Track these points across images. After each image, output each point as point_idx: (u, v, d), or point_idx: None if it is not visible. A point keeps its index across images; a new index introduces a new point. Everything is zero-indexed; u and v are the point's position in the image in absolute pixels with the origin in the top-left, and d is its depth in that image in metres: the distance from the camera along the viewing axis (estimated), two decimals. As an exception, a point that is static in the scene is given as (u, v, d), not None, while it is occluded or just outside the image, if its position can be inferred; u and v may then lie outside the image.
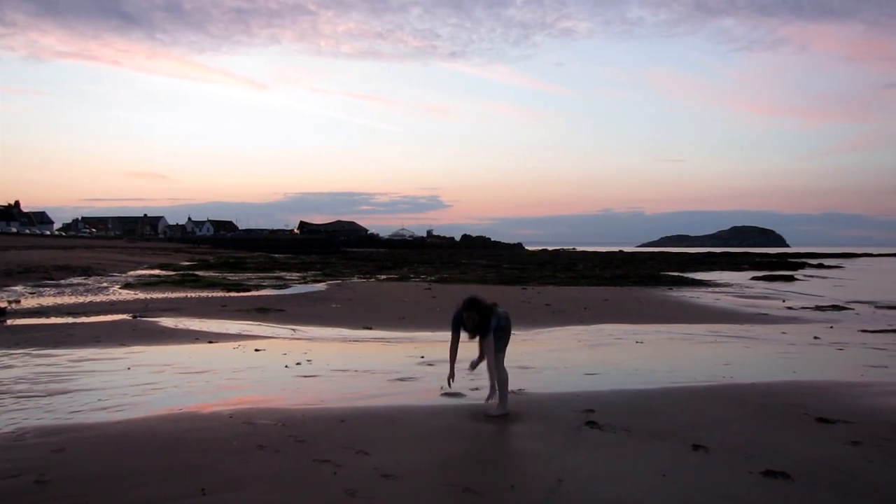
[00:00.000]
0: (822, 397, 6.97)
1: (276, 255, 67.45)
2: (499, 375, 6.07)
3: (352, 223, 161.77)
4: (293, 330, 12.54)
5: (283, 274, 33.92)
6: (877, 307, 19.80)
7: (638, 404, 6.49)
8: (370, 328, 13.04)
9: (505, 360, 6.28)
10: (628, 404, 6.50)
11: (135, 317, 13.96)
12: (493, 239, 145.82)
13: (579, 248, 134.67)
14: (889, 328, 13.79)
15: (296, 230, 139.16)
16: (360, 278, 31.07)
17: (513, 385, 7.23)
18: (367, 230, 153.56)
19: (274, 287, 24.59)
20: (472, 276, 32.39)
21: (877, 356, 9.92)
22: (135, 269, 36.04)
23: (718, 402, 6.66)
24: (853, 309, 18.99)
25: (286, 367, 8.32)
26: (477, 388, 7.10)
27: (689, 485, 4.39)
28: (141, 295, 19.93)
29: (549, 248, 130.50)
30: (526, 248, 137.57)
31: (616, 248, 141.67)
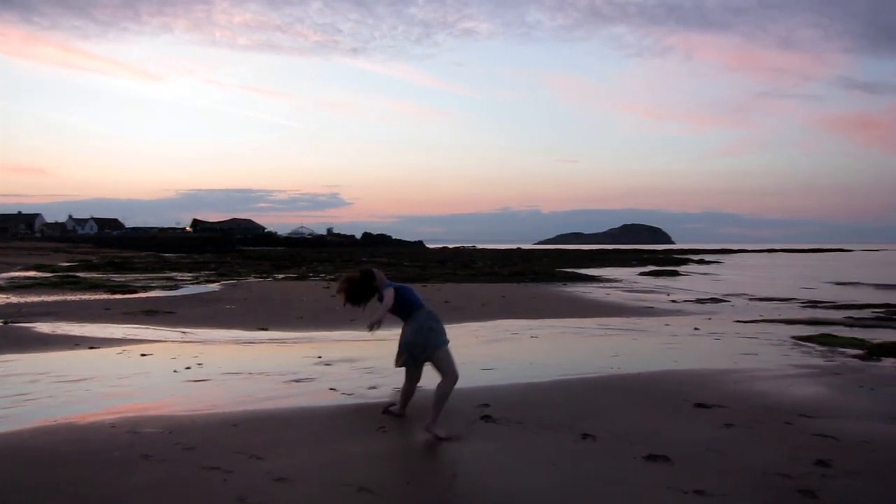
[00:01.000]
0: (701, 384, 7.44)
1: (167, 255, 64.44)
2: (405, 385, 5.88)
3: (248, 221, 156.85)
4: (183, 333, 12.04)
5: (173, 274, 32.47)
6: (749, 299, 21.31)
7: (532, 397, 6.68)
8: (266, 329, 12.71)
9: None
10: (522, 398, 6.68)
11: (6, 322, 12.94)
12: (394, 237, 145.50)
13: (479, 246, 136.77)
14: (760, 318, 14.88)
15: (188, 228, 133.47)
16: (257, 278, 30.24)
17: (410, 382, 7.27)
18: (264, 228, 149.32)
19: (164, 288, 23.50)
20: (373, 275, 32.24)
21: (749, 345, 10.68)
22: (7, 270, 33.41)
23: (607, 393, 6.97)
24: (729, 301, 20.36)
25: (175, 371, 7.97)
26: (374, 387, 7.08)
27: (578, 472, 4.56)
28: (14, 299, 18.50)
29: (450, 246, 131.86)
30: (427, 246, 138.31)
31: (514, 246, 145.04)
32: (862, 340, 10.96)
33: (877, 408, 6.52)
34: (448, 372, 5.45)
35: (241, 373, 7.92)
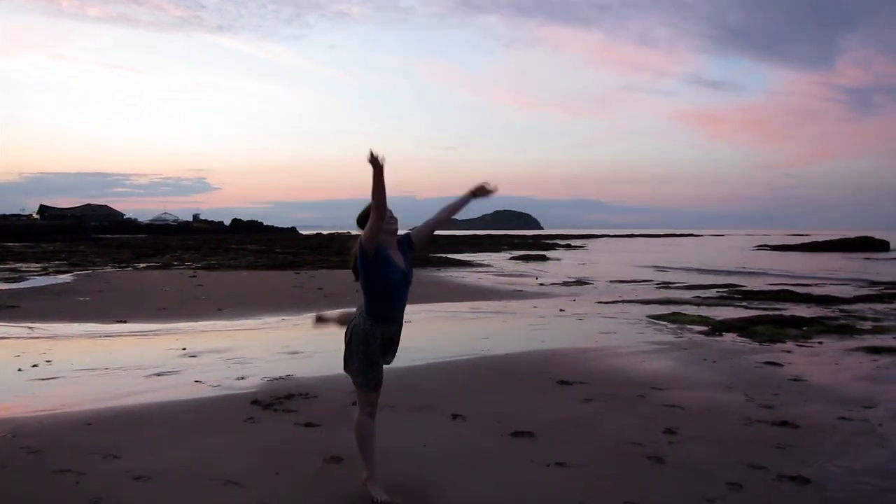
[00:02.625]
0: (564, 363, 7.83)
1: (10, 244, 58.81)
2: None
3: (105, 207, 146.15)
4: (30, 328, 11.07)
5: (18, 265, 29.68)
6: (610, 281, 22.61)
7: (404, 381, 6.74)
8: (125, 321, 11.96)
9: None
10: (395, 382, 6.69)
11: None
12: (265, 223, 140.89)
13: (354, 232, 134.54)
14: (619, 299, 15.84)
15: (35, 215, 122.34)
16: (115, 267, 28.31)
17: (281, 371, 7.14)
18: (123, 215, 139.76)
19: (6, 280, 21.45)
20: (242, 262, 31.12)
21: (608, 324, 11.36)
22: None
23: (477, 374, 7.18)
24: (593, 283, 21.49)
25: (20, 370, 7.33)
26: (243, 378, 6.88)
27: (447, 451, 4.68)
28: None
29: (325, 232, 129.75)
30: (300, 232, 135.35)
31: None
32: (707, 318, 11.96)
33: (717, 378, 7.15)
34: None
35: (95, 369, 7.41)
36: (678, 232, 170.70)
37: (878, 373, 7.61)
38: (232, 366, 7.53)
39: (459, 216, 4.46)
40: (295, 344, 8.92)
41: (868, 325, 11.52)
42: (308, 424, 5.25)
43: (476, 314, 12.90)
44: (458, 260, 34.96)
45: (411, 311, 12.83)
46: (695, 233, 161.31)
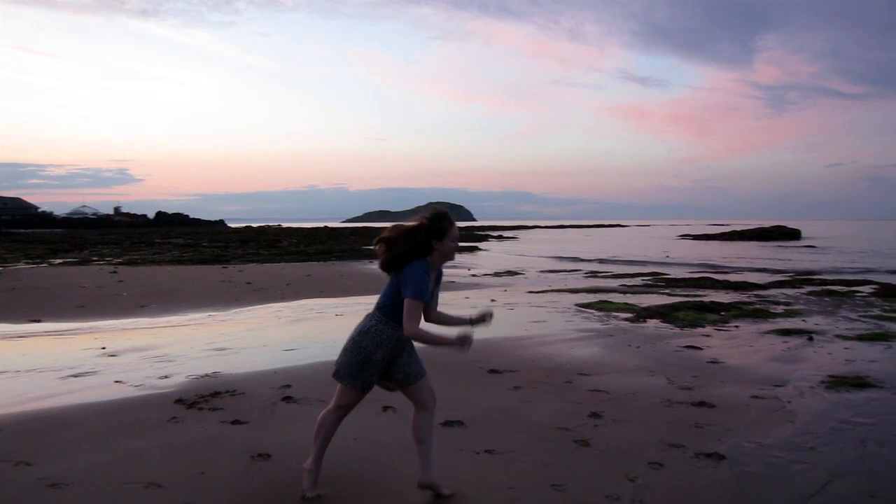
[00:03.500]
0: (495, 352, 7.93)
1: (-90, 241, 55.02)
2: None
3: (17, 200, 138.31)
4: (-67, 330, 10.41)
5: (-81, 263, 27.82)
6: (541, 271, 23.03)
7: (335, 375, 6.70)
8: (39, 321, 11.39)
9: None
10: (326, 376, 6.59)
11: None
12: (192, 216, 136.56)
13: (285, 225, 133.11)
14: (549, 289, 16.16)
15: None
16: (29, 264, 26.90)
17: (207, 368, 6.96)
18: (37, 208, 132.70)
19: None
20: (167, 257, 30.12)
21: (538, 313, 11.57)
22: None
23: (408, 365, 7.18)
24: (524, 274, 21.84)
25: (-79, 374, 6.89)
26: (166, 377, 6.66)
27: (377, 443, 4.68)
28: None
29: (254, 225, 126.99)
30: (228, 225, 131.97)
31: (321, 224, 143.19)
32: (632, 305, 12.35)
33: (641, 363, 7.40)
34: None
35: (6, 371, 7.04)
36: (607, 223, 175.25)
37: (788, 353, 8.04)
38: (155, 364, 7.29)
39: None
40: (222, 340, 8.71)
41: (780, 309, 12.15)
42: (235, 422, 5.14)
43: (408, 306, 12.90)
44: (391, 252, 34.87)
45: (343, 304, 12.77)
46: (622, 223, 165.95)
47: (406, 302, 3.50)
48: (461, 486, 3.95)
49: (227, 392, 5.98)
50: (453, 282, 18.55)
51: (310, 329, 9.93)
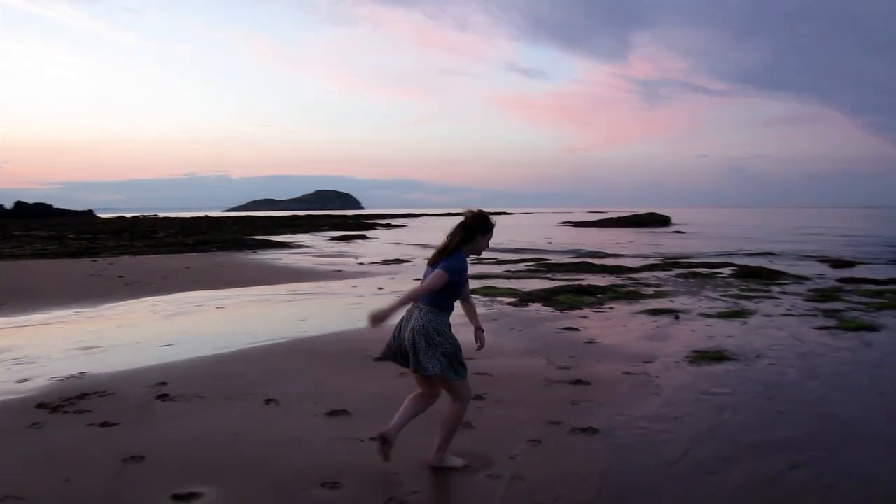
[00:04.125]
0: (381, 340, 7.82)
1: None
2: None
3: None
4: None
5: None
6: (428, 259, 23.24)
7: (215, 370, 6.47)
8: None
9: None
10: (205, 371, 6.43)
11: None
12: (57, 206, 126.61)
13: (162, 215, 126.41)
14: (436, 275, 16.33)
15: None
16: None
17: (73, 369, 6.53)
18: None
19: None
20: (27, 251, 27.82)
21: (425, 300, 11.66)
22: None
23: (292, 357, 7.06)
24: (412, 262, 21.95)
25: None
26: (26, 380, 6.18)
27: (261, 436, 4.58)
28: None
29: (127, 215, 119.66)
30: (98, 215, 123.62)
31: (202, 214, 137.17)
32: (515, 290, 12.72)
33: (522, 345, 7.66)
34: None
35: None
36: (493, 210, 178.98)
37: (657, 332, 8.59)
38: (13, 367, 6.74)
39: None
40: (90, 338, 8.17)
41: (651, 290, 12.93)
42: (104, 424, 4.85)
43: (293, 296, 12.65)
44: (276, 241, 34.01)
45: (224, 297, 12.33)
46: (508, 211, 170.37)
47: (436, 272, 3.84)
48: (346, 473, 3.94)
49: (96, 393, 5.63)
50: (340, 270, 18.37)
51: (188, 323, 9.52)
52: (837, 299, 11.69)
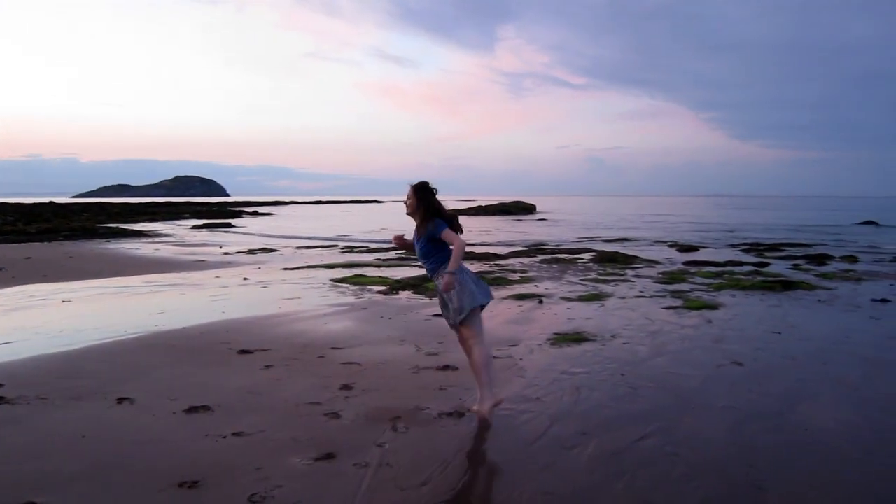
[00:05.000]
0: (245, 332, 7.67)
1: None
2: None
3: None
4: None
5: None
6: (296, 248, 22.71)
7: (60, 368, 5.98)
8: None
9: None
10: (49, 370, 5.92)
11: None
12: None
13: (0, 200, 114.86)
14: (304, 265, 16.01)
15: None
16: None
17: None
18: None
19: None
20: None
21: (293, 290, 11.41)
22: None
23: (149, 352, 6.66)
24: (279, 251, 21.36)
25: None
26: None
27: (112, 438, 4.29)
28: None
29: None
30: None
31: (46, 199, 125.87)
32: (386, 278, 12.73)
33: (392, 333, 7.68)
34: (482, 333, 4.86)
35: None
36: (365, 198, 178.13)
37: (522, 316, 8.91)
38: None
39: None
40: None
41: (517, 276, 13.39)
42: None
43: (151, 288, 11.92)
44: (132, 230, 31.96)
45: (72, 289, 11.44)
46: (380, 199, 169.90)
47: (446, 232, 4.63)
48: (207, 471, 3.78)
49: (-85, 399, 5.03)
50: (203, 261, 17.55)
51: (30, 318, 8.71)
52: (683, 281, 12.68)
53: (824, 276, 13.77)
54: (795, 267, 15.78)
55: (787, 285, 11.83)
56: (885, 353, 6.85)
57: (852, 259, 17.81)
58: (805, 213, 68.52)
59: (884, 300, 10.34)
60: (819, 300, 10.40)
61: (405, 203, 4.80)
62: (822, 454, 4.14)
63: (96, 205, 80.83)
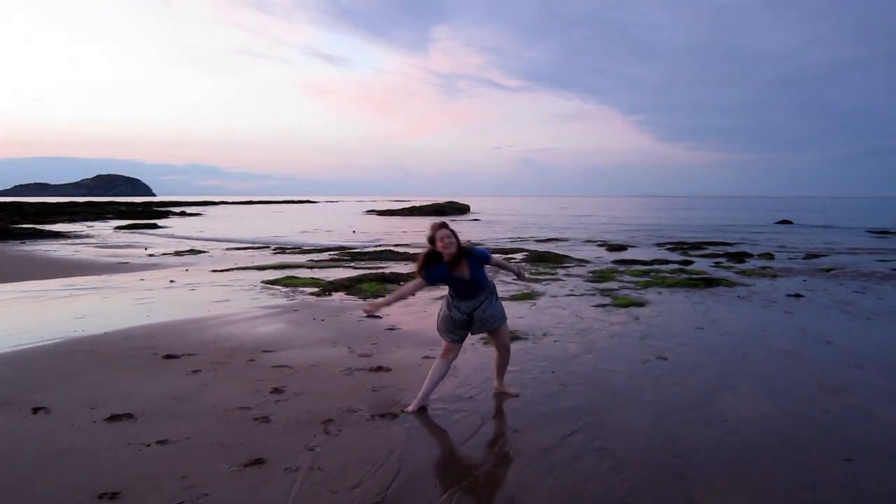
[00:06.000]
0: (172, 336, 7.43)
1: None
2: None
3: None
4: None
5: None
6: (227, 249, 22.17)
7: (-32, 378, 5.64)
8: None
9: None
10: (-45, 380, 5.58)
11: None
12: None
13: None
14: (234, 267, 15.64)
15: None
16: None
17: None
18: None
19: None
20: None
21: (222, 292, 11.12)
22: None
23: (68, 358, 6.36)
24: (208, 252, 20.80)
25: None
26: None
27: (26, 451, 4.07)
28: None
29: None
30: None
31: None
32: (318, 280, 12.56)
33: (325, 335, 7.58)
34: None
35: None
36: (298, 199, 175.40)
37: (456, 316, 8.94)
38: None
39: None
40: None
41: (451, 276, 13.42)
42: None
43: (71, 291, 11.40)
44: (50, 231, 30.50)
45: (-18, 295, 10.77)
46: (313, 199, 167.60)
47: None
48: (128, 482, 3.64)
49: None
50: (127, 263, 16.92)
51: (-66, 326, 8.19)
52: (612, 279, 13.02)
53: (744, 273, 14.40)
54: (717, 265, 16.44)
55: (710, 282, 12.31)
56: (798, 345, 7.21)
57: (769, 256, 18.70)
58: (726, 212, 71.52)
59: (797, 295, 10.89)
60: (739, 296, 10.86)
61: (443, 242, 4.89)
62: (741, 444, 4.33)
63: (11, 204, 76.62)
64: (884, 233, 32.46)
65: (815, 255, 19.25)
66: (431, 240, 4.93)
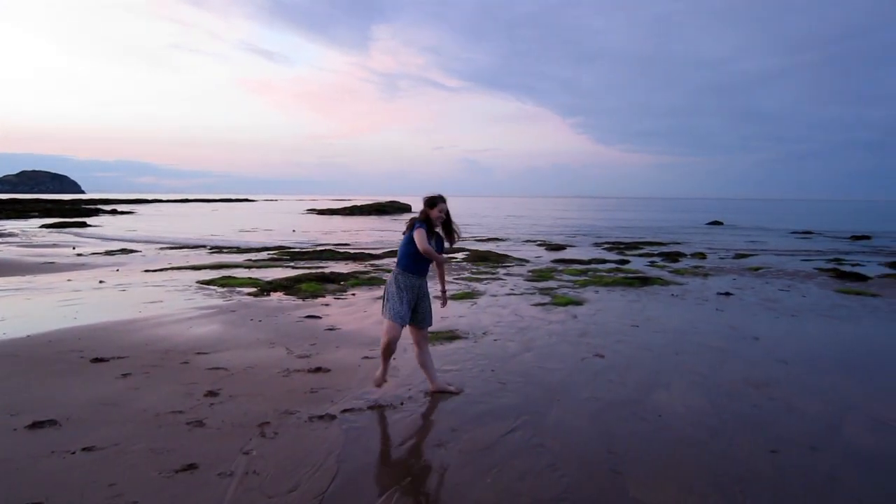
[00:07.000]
0: (100, 338, 7.15)
1: None
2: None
3: None
4: None
5: None
6: (160, 248, 21.49)
7: None
8: None
9: None
10: None
11: None
12: None
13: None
14: (169, 266, 15.17)
15: None
16: None
17: None
18: None
19: None
20: None
21: (155, 293, 10.77)
22: None
23: (-15, 364, 6.03)
24: (140, 251, 20.11)
25: None
26: None
27: (-63, 463, 3.84)
28: None
29: None
30: None
31: None
32: (256, 280, 12.30)
33: (262, 336, 7.43)
34: None
35: None
36: (235, 197, 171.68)
37: (396, 315, 8.89)
38: None
39: None
40: None
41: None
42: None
43: (-10, 294, 10.83)
44: (-32, 230, 28.93)
45: None
46: (251, 198, 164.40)
47: (415, 232, 4.92)
48: (52, 491, 3.47)
49: None
50: (53, 263, 16.19)
51: None
52: (551, 278, 13.21)
53: (677, 272, 14.85)
54: (652, 264, 16.90)
55: (645, 281, 12.64)
56: (728, 342, 7.47)
57: (701, 256, 19.34)
58: (662, 213, 73.65)
59: (727, 293, 11.29)
60: (672, 294, 11.18)
61: (441, 213, 5.11)
62: (673, 438, 4.45)
63: (-75, 202, 72.30)
64: (807, 233, 34.11)
65: (744, 255, 20.03)
66: (432, 203, 5.12)
